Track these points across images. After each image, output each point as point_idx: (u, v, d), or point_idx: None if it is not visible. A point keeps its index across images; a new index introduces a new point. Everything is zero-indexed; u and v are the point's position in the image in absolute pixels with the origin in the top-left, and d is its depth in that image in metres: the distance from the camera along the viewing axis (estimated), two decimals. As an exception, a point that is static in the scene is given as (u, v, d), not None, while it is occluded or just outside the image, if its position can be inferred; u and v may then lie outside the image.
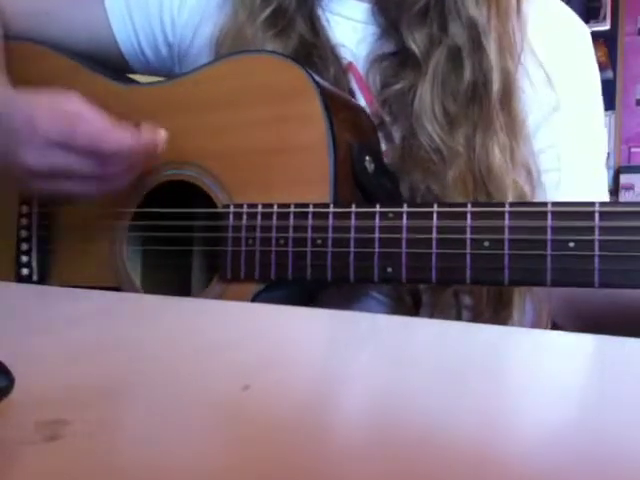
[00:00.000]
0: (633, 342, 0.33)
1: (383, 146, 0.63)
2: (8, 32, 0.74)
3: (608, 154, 2.69)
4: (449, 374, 0.29)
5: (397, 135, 0.63)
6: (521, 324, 0.62)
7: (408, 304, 0.61)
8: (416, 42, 0.63)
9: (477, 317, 0.61)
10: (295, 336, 0.37)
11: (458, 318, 0.62)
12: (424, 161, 0.61)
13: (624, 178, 2.72)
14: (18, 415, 0.21)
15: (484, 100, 0.61)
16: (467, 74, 0.62)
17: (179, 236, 0.63)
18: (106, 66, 0.72)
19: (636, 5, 2.74)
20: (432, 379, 0.28)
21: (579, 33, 0.71)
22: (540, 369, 0.31)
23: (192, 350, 0.32)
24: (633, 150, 2.76)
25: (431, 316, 0.61)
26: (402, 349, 0.34)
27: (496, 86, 0.61)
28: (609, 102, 2.69)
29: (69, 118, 0.56)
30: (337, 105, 0.58)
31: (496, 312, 0.61)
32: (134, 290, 0.64)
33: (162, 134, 0.57)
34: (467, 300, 0.62)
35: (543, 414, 0.24)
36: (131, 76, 0.78)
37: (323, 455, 0.19)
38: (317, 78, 0.57)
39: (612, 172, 2.71)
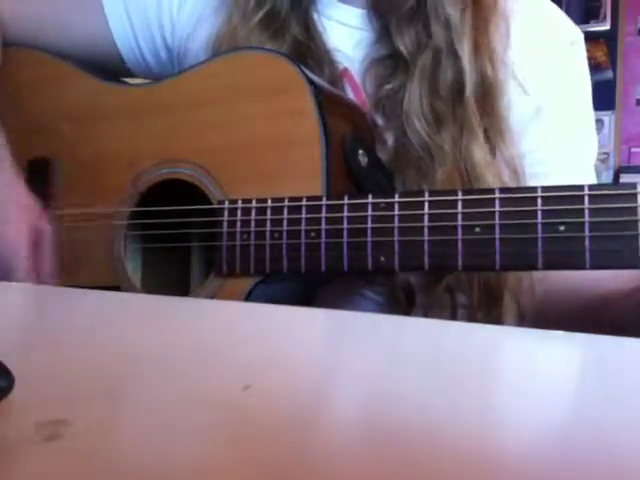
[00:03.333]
0: (633, 342, 0.33)
1: (376, 150, 0.63)
2: (7, 38, 0.74)
3: (608, 154, 2.69)
4: (447, 374, 0.29)
5: (390, 137, 0.64)
6: (513, 322, 0.63)
7: (402, 303, 0.61)
8: (404, 43, 0.63)
9: (470, 315, 0.62)
10: (295, 336, 0.37)
11: (453, 317, 0.62)
12: (415, 160, 0.61)
13: (624, 178, 2.72)
14: (18, 415, 0.21)
15: (463, 101, 0.62)
16: (447, 75, 0.62)
17: (176, 233, 0.63)
18: (104, 70, 0.72)
19: (636, 5, 2.73)
20: (430, 378, 0.28)
21: (568, 35, 0.70)
22: (538, 369, 0.31)
23: (192, 350, 0.32)
24: (633, 150, 2.75)
25: (425, 315, 0.61)
26: (400, 349, 0.34)
27: (469, 87, 0.61)
28: (609, 102, 2.69)
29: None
30: (329, 100, 0.58)
31: (489, 310, 0.61)
32: (133, 289, 0.64)
33: None
34: (461, 299, 0.62)
35: (541, 414, 0.24)
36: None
37: (323, 455, 0.19)
38: (309, 74, 0.57)
39: (612, 172, 2.71)
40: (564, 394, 0.28)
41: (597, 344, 0.36)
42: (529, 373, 0.31)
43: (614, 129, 2.74)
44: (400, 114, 0.63)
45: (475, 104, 0.62)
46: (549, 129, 0.67)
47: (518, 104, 0.65)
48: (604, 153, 2.65)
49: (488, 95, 0.62)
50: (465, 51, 0.62)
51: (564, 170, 0.67)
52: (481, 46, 0.63)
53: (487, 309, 0.61)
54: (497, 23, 0.64)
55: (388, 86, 0.64)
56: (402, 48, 0.63)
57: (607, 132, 2.70)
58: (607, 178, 2.64)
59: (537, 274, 0.61)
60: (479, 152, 0.61)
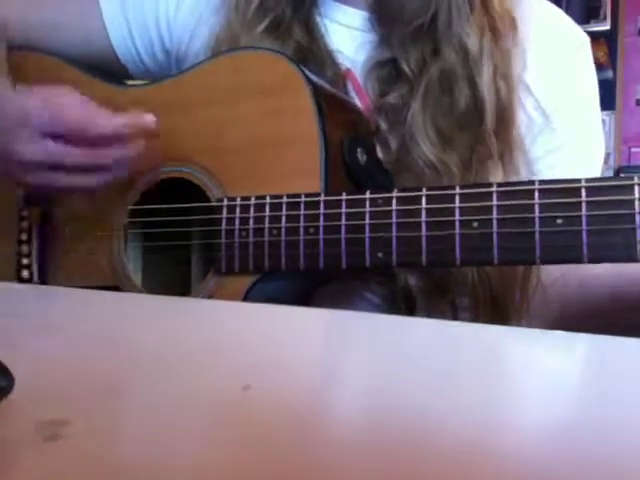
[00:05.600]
0: (633, 342, 0.33)
1: (380, 152, 0.63)
2: (10, 42, 0.75)
3: (608, 154, 2.68)
4: (449, 374, 0.29)
5: (393, 143, 0.63)
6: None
7: (402, 308, 0.61)
8: (408, 61, 0.63)
9: (473, 321, 0.61)
10: (295, 336, 0.37)
11: (454, 320, 0.62)
12: (419, 175, 0.61)
13: (624, 178, 2.71)
14: (18, 415, 0.21)
15: (478, 128, 0.61)
16: (461, 100, 0.61)
17: (176, 232, 0.63)
18: (104, 71, 0.73)
19: (636, 5, 2.73)
20: (431, 378, 0.28)
21: (574, 39, 0.70)
22: (538, 368, 0.31)
23: (192, 350, 0.32)
24: (633, 150, 2.75)
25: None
26: (401, 349, 0.34)
27: (490, 117, 0.61)
28: (609, 102, 2.69)
29: (57, 106, 0.58)
30: (328, 99, 0.58)
31: (492, 319, 0.61)
32: (133, 287, 0.64)
33: (150, 117, 0.58)
34: (464, 302, 0.62)
35: (541, 413, 0.24)
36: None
37: (323, 455, 0.19)
38: (308, 73, 0.58)
39: (612, 172, 2.71)
40: (564, 394, 0.28)
41: (597, 344, 0.36)
42: (530, 373, 0.31)
43: (614, 129, 2.74)
44: (403, 127, 0.62)
45: (493, 132, 0.61)
46: (558, 135, 0.67)
47: (527, 112, 0.65)
48: (604, 153, 2.65)
49: (504, 121, 0.62)
50: (485, 81, 0.60)
51: (571, 175, 0.66)
52: (499, 74, 0.62)
53: (491, 319, 0.61)
54: (515, 50, 0.64)
55: (391, 97, 0.63)
56: (404, 65, 0.62)
57: (607, 132, 2.69)
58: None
59: (545, 281, 0.61)
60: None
